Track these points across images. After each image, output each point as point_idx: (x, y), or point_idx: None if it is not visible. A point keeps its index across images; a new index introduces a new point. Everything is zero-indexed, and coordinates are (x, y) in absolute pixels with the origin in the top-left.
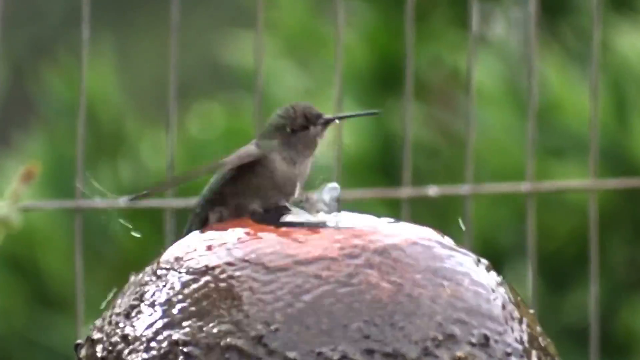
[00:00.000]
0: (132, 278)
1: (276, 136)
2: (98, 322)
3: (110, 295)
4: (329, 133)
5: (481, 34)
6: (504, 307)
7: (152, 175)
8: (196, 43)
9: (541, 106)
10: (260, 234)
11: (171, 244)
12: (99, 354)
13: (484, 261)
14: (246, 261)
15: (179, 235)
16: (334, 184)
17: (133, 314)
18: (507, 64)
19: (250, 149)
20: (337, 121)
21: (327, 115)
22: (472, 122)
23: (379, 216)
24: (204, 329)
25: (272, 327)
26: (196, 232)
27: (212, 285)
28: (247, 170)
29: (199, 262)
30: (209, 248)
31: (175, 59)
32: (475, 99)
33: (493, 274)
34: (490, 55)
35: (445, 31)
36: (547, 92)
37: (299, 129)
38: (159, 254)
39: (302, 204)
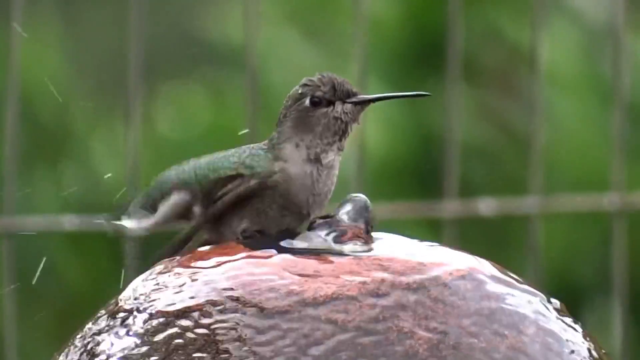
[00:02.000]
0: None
1: (289, 118)
2: None
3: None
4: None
5: None
6: None
7: (106, 185)
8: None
9: (632, 95)
10: (254, 264)
11: (134, 278)
12: None
13: (556, 301)
14: (236, 300)
15: (145, 265)
16: (361, 196)
17: None
18: (587, 37)
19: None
20: (373, 103)
21: (363, 95)
22: (540, 114)
23: (414, 240)
24: None
25: None
26: (168, 261)
27: (189, 332)
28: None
29: (172, 302)
30: (187, 282)
31: (139, 28)
32: (544, 83)
33: (567, 318)
34: (564, 27)
35: None
36: (639, 76)
37: (322, 102)
38: (119, 291)
39: (317, 225)
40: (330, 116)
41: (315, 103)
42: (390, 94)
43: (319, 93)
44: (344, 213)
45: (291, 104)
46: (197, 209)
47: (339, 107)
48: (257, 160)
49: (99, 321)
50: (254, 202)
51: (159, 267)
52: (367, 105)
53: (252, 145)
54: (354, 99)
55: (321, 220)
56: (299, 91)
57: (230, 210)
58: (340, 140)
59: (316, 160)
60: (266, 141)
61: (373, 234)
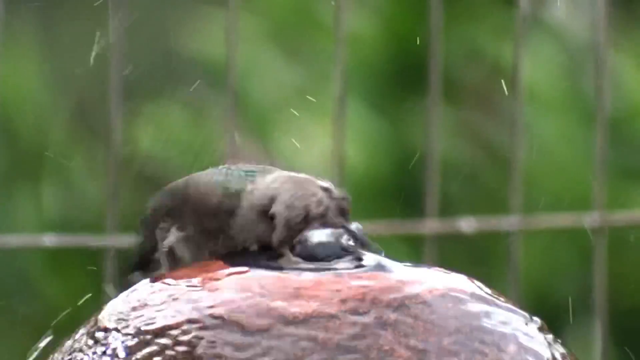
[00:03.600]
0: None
1: None
2: None
3: None
4: (324, 144)
5: (533, 16)
6: None
7: (87, 205)
8: (147, 24)
9: (613, 113)
10: (234, 282)
11: (113, 296)
12: None
13: (537, 319)
14: (215, 318)
15: (124, 283)
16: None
17: None
18: (568, 55)
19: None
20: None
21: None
22: (521, 132)
23: (394, 258)
24: None
25: None
26: (147, 280)
27: (169, 350)
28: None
29: (151, 320)
30: (165, 301)
31: (120, 46)
32: (524, 102)
33: (548, 336)
34: (546, 44)
35: (485, 12)
36: (621, 94)
37: None
38: (97, 310)
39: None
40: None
41: None
42: None
43: None
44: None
45: None
46: (173, 229)
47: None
48: (231, 177)
49: (77, 339)
50: (234, 218)
51: (138, 286)
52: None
53: (230, 165)
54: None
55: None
56: None
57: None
58: None
59: None
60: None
61: (351, 252)
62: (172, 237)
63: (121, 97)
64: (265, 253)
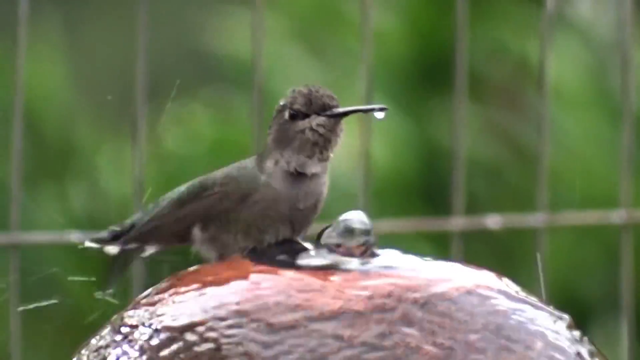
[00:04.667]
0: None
1: (272, 132)
2: None
3: None
4: (350, 143)
5: (559, 14)
6: None
7: (113, 202)
8: (173, 23)
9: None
10: (260, 279)
11: (140, 292)
12: None
13: (564, 316)
14: (242, 315)
15: (150, 280)
16: (359, 212)
17: None
18: (594, 53)
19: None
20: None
21: (338, 108)
22: (547, 130)
23: (421, 255)
24: None
25: None
26: (173, 275)
27: (195, 347)
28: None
29: (177, 316)
30: (192, 297)
31: (145, 44)
32: (550, 99)
33: (576, 333)
34: (572, 42)
35: (510, 10)
36: None
37: (298, 115)
38: (124, 306)
39: (318, 239)
40: (305, 129)
41: (293, 116)
42: (356, 107)
43: (295, 106)
44: (342, 229)
45: (274, 117)
46: (196, 231)
47: (313, 120)
48: (243, 174)
49: (103, 336)
50: (243, 214)
51: (164, 283)
52: (342, 118)
53: (241, 161)
54: (327, 113)
55: (326, 236)
56: (280, 103)
57: (221, 227)
58: (321, 152)
59: (298, 173)
60: (256, 155)
61: (377, 249)
62: (196, 238)
63: (146, 95)
64: (288, 249)
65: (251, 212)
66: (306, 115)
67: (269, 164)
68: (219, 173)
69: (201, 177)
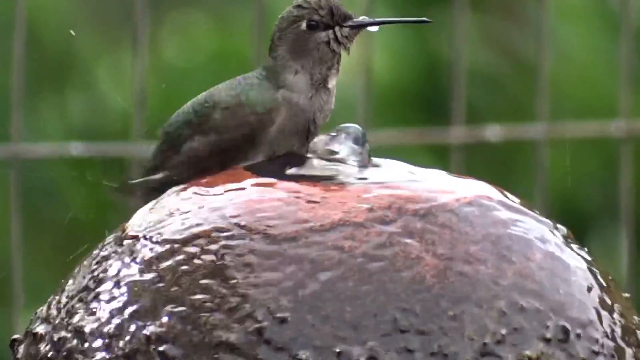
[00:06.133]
0: (91, 251)
1: (285, 43)
2: (42, 311)
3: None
4: (354, 52)
5: None
6: (588, 289)
7: (113, 113)
8: None
9: (638, 22)
10: (261, 191)
11: (140, 205)
12: (43, 353)
13: (562, 228)
14: (242, 227)
15: (151, 192)
16: (356, 126)
17: (89, 299)
18: None
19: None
20: (371, 28)
21: (360, 18)
22: (546, 41)
23: (421, 167)
24: (186, 319)
25: (277, 317)
26: (175, 188)
27: (196, 259)
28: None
29: (179, 228)
30: (193, 209)
31: None
32: (550, 10)
33: (574, 245)
34: None
35: None
36: None
37: (319, 26)
38: (125, 218)
39: (317, 151)
40: (330, 40)
41: (312, 27)
42: (389, 18)
43: (316, 17)
44: (340, 141)
45: (286, 27)
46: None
47: (338, 31)
48: (258, 91)
49: (105, 248)
50: (267, 134)
51: (165, 195)
52: (363, 29)
53: (244, 75)
54: (351, 23)
55: (324, 143)
56: (294, 13)
57: (240, 149)
58: (338, 63)
59: (320, 85)
60: (259, 69)
61: (377, 160)
62: (195, 143)
63: (147, 4)
64: (288, 160)
65: (269, 132)
66: (327, 26)
67: (288, 75)
68: (223, 93)
69: (203, 95)
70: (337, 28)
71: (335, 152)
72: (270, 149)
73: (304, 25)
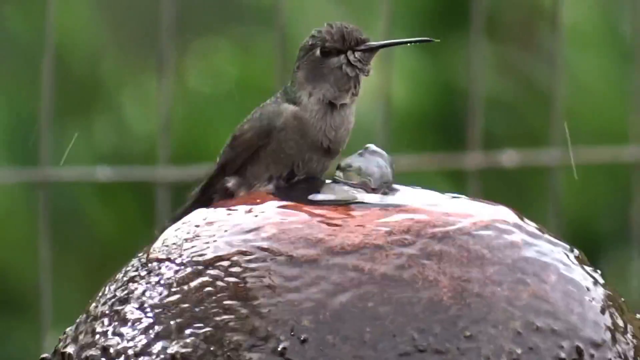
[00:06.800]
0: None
1: (302, 70)
2: (70, 330)
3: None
4: (373, 79)
5: None
6: (602, 311)
7: (139, 138)
8: None
9: None
10: (283, 215)
11: (165, 228)
12: None
13: (576, 251)
14: (265, 250)
15: (176, 215)
16: (377, 148)
17: (116, 319)
18: None
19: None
20: (381, 49)
21: (371, 42)
22: (561, 68)
23: (438, 191)
24: (209, 339)
25: (299, 337)
26: (198, 211)
27: (220, 281)
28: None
29: (203, 251)
30: (216, 233)
31: None
32: (564, 38)
33: (587, 267)
34: None
35: None
36: None
37: (332, 52)
38: (150, 241)
39: (339, 175)
40: (342, 65)
41: (326, 53)
42: (395, 40)
43: (328, 44)
44: (365, 164)
45: (302, 56)
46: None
47: (350, 56)
48: (267, 108)
49: (130, 270)
50: (272, 146)
51: (189, 218)
52: (376, 52)
53: (264, 102)
54: (362, 47)
55: (345, 169)
56: (309, 42)
57: (251, 160)
58: (354, 87)
59: (329, 103)
60: (279, 92)
61: (396, 185)
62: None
63: (173, 32)
64: (310, 185)
65: (278, 140)
66: (340, 52)
67: (302, 95)
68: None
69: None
70: (349, 52)
71: (363, 172)
72: (286, 159)
73: (317, 52)
